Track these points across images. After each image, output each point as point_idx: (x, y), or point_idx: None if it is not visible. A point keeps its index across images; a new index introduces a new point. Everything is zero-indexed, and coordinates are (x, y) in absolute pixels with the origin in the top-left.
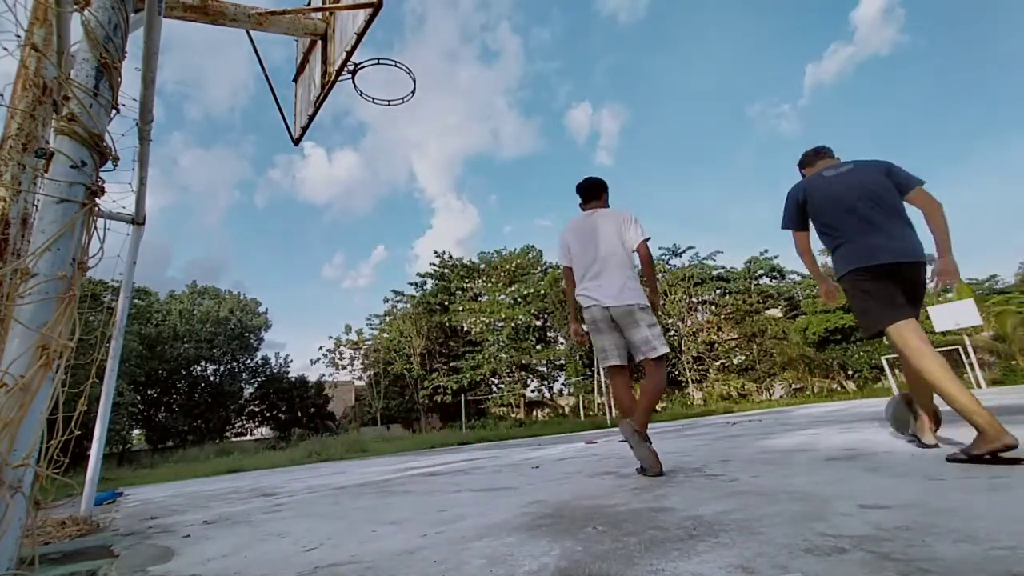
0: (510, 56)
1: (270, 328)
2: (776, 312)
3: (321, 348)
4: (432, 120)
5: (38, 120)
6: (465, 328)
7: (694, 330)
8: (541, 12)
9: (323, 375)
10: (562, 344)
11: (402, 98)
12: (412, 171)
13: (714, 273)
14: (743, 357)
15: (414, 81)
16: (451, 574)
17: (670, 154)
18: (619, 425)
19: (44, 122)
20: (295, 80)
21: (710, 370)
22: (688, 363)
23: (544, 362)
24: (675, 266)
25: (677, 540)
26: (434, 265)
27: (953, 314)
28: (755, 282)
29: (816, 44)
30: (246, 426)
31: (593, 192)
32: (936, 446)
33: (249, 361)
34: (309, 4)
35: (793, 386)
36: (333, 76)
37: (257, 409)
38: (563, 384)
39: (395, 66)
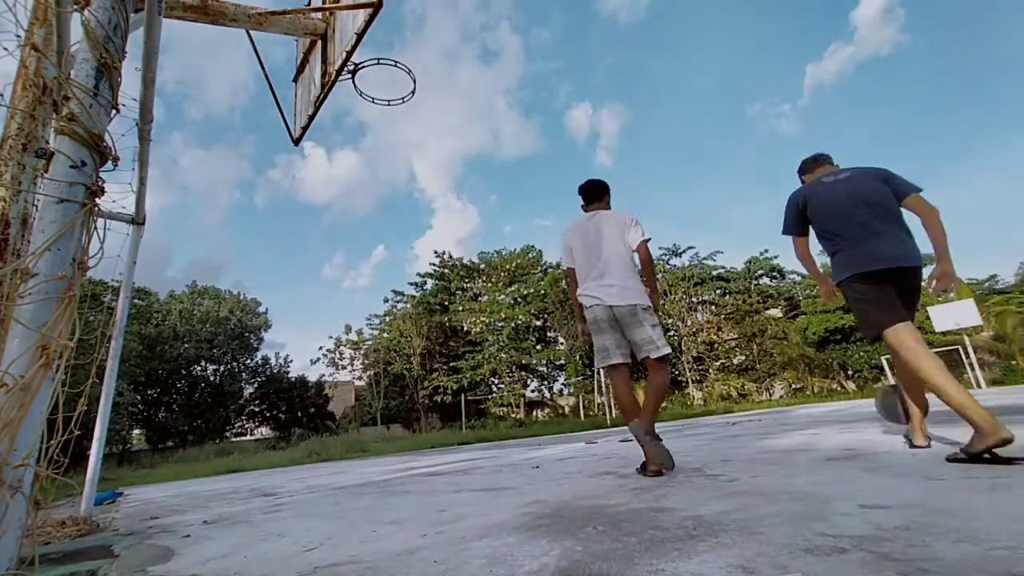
0: (510, 56)
1: (270, 328)
2: (776, 312)
3: (321, 348)
4: (432, 120)
5: (38, 120)
6: (465, 328)
7: (694, 330)
8: (541, 12)
9: (323, 375)
10: (562, 344)
11: (402, 98)
12: (412, 171)
13: (714, 273)
14: (743, 357)
15: (414, 81)
16: (451, 574)
17: (670, 154)
18: (629, 427)
19: (44, 122)
20: (295, 80)
21: (710, 370)
22: (688, 363)
23: (544, 362)
24: (675, 266)
25: (677, 540)
26: (434, 265)
27: (953, 314)
28: (755, 282)
29: (816, 44)
30: (246, 426)
31: (595, 193)
32: (928, 446)
33: (249, 361)
34: (309, 4)
35: (793, 386)
36: (333, 76)
37: (257, 409)
38: (563, 384)
39: (395, 66)
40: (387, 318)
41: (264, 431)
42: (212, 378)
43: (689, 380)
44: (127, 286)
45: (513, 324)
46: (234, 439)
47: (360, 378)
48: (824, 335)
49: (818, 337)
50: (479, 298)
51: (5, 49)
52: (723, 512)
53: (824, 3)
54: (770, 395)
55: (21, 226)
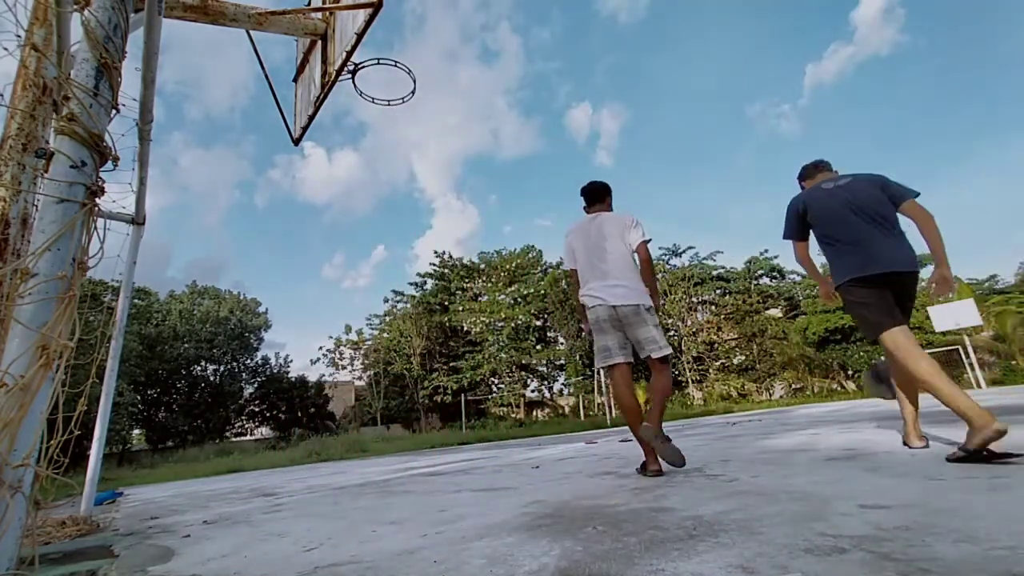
0: (510, 56)
1: (270, 328)
2: (776, 312)
3: (321, 348)
4: (432, 120)
5: (38, 120)
6: (465, 328)
7: (694, 330)
8: (541, 12)
9: (323, 375)
10: (562, 344)
11: (402, 98)
12: (412, 171)
13: (714, 273)
14: (743, 357)
15: (414, 81)
16: (451, 574)
17: (670, 154)
18: (641, 433)
19: (44, 122)
20: (295, 80)
21: (710, 370)
22: (688, 363)
23: (544, 362)
24: (675, 266)
25: (677, 540)
26: (434, 265)
27: (953, 314)
28: (755, 282)
29: (816, 44)
30: (246, 426)
31: (597, 195)
32: (926, 446)
33: (249, 361)
34: (309, 4)
35: (793, 386)
36: (333, 76)
37: (257, 409)
38: (563, 384)
39: (395, 66)
40: (387, 318)
41: (264, 431)
42: (212, 378)
43: (689, 380)
44: (127, 286)
45: (513, 324)
46: (234, 439)
47: (360, 378)
48: (824, 335)
49: (818, 337)
50: (479, 298)
51: (5, 49)
52: (723, 512)
53: (824, 3)
54: (770, 395)
55: (21, 226)
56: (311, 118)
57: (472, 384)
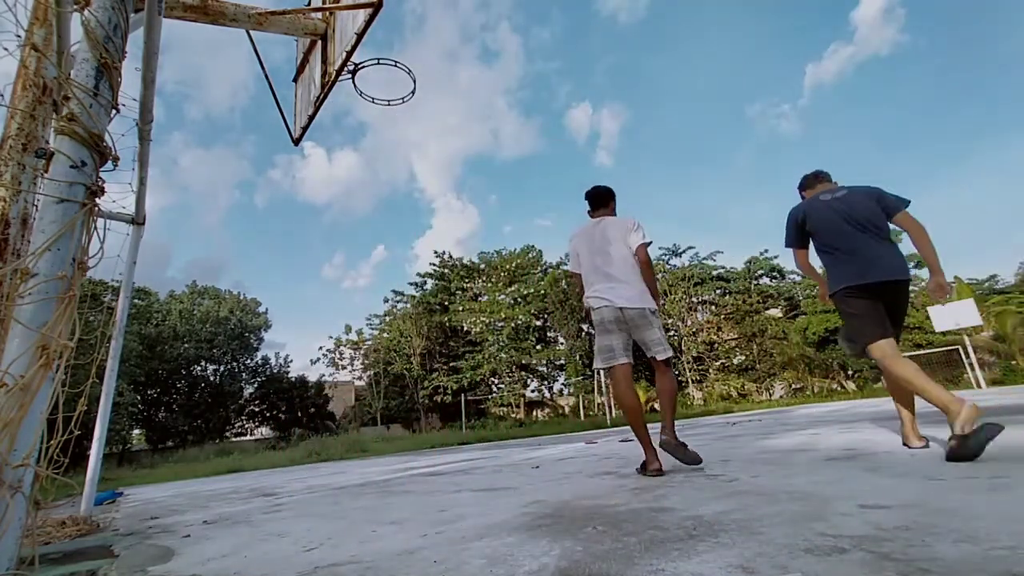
0: (510, 56)
1: (270, 328)
2: (776, 312)
3: (321, 348)
4: (432, 120)
5: (38, 120)
6: (465, 328)
7: (694, 330)
8: (541, 12)
9: (323, 375)
10: (562, 344)
11: (402, 98)
12: (412, 171)
13: (714, 273)
14: (743, 357)
15: (414, 81)
16: (451, 574)
17: (670, 154)
18: (661, 443)
19: (44, 122)
20: (295, 80)
21: (710, 370)
22: (688, 363)
23: (544, 362)
24: (675, 266)
25: (677, 540)
26: (434, 265)
27: (953, 314)
28: (755, 282)
29: (816, 44)
30: (246, 426)
31: (601, 200)
32: (926, 446)
33: (249, 361)
34: (309, 4)
35: (793, 386)
36: (333, 76)
37: (257, 409)
38: (563, 384)
39: (395, 66)
40: (387, 318)
41: (264, 431)
42: (212, 378)
43: (689, 380)
44: (127, 286)
45: (513, 324)
46: (234, 439)
47: (360, 378)
48: (824, 335)
49: (818, 337)
50: (479, 298)
51: (5, 49)
52: (723, 512)
53: (824, 3)
54: (770, 395)
55: (21, 226)
56: (311, 118)
57: (472, 384)
